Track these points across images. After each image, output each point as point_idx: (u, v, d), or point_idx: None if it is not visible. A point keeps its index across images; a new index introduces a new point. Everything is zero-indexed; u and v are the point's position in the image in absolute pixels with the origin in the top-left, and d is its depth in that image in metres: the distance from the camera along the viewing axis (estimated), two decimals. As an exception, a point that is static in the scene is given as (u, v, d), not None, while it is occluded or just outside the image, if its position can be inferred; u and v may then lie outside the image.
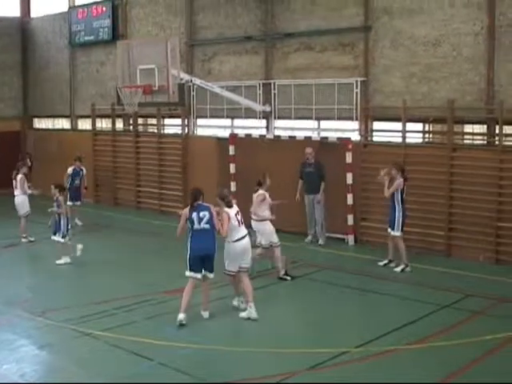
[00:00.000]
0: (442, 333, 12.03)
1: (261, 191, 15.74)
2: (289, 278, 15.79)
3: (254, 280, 15.39)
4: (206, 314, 12.99)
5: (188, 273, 12.73)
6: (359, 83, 19.55)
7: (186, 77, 20.30)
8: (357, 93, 19.59)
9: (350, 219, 19.24)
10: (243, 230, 13.13)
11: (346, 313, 13.72)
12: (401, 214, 16.23)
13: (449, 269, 16.31)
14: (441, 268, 16.39)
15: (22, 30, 31.51)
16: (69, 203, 21.74)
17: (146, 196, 25.36)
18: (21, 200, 20.15)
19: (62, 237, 17.44)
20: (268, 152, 20.95)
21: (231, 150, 21.87)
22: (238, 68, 22.80)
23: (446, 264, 16.74)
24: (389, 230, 16.50)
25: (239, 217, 13.07)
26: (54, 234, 17.58)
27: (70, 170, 22.73)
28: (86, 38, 28.11)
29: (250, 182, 21.31)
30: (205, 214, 12.68)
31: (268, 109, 21.69)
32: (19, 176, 20.27)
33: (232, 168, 21.90)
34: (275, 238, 15.84)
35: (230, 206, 13.00)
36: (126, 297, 14.14)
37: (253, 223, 15.85)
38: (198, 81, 21.05)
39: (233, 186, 21.78)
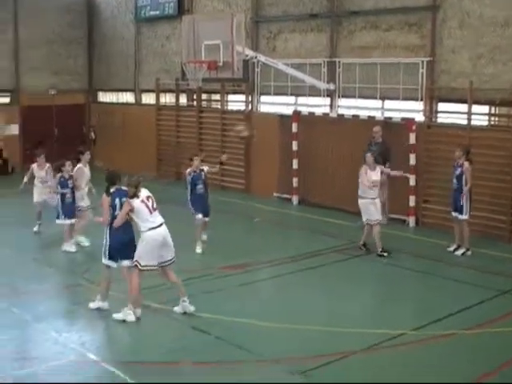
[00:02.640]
0: (500, 319, 11.89)
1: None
2: (385, 253, 15.93)
3: (322, 256, 15.66)
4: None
5: (107, 261, 11.84)
6: (425, 63, 19.28)
7: (250, 53, 20.33)
8: (422, 73, 19.33)
9: (412, 200, 19.04)
10: (157, 218, 11.68)
11: (404, 295, 13.66)
12: (468, 197, 16.00)
13: (510, 254, 16.06)
14: (502, 253, 16.15)
15: (88, 5, 31.73)
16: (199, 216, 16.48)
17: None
18: None
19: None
20: (331, 130, 20.86)
21: (294, 127, 21.85)
22: (303, 46, 22.67)
23: (508, 249, 16.48)
24: (454, 213, 16.22)
25: (150, 203, 11.63)
26: (57, 217, 16.45)
27: (187, 176, 16.56)
28: (151, 12, 28.18)
29: (311, 159, 21.43)
30: (124, 200, 11.63)
31: (332, 87, 21.56)
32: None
33: (294, 145, 21.89)
34: (374, 216, 15.96)
35: (134, 195, 11.51)
36: (182, 271, 14.11)
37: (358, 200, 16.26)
38: (262, 57, 21.04)
39: (295, 164, 21.90)
